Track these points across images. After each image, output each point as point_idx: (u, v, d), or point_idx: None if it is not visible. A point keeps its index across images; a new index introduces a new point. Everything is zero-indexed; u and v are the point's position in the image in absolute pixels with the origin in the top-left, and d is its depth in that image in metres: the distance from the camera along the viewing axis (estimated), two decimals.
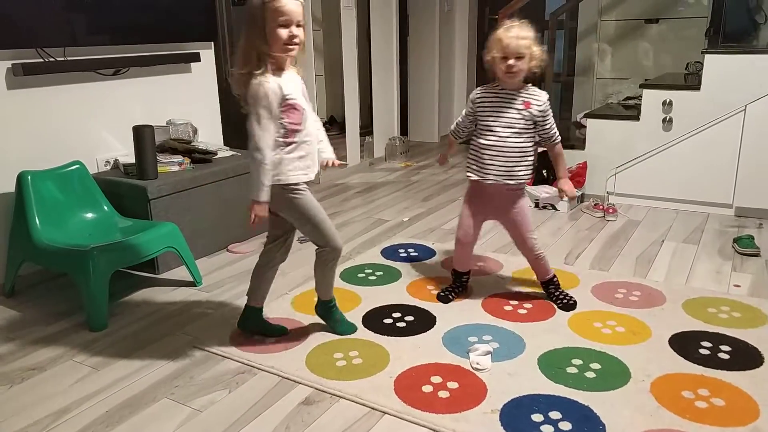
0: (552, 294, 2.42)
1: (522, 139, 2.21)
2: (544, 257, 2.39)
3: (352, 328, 2.23)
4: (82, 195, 2.70)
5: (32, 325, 2.36)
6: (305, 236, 2.15)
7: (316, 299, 2.25)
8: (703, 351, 2.04)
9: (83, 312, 2.35)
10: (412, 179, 4.67)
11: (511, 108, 2.21)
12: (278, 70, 1.88)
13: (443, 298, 2.45)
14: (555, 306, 2.39)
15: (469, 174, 2.31)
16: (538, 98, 2.21)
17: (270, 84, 1.83)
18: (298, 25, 1.84)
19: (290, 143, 1.92)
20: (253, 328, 2.23)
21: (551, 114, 2.25)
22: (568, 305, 2.37)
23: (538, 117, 2.21)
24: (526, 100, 2.20)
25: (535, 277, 2.59)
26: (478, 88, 2.31)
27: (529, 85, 2.24)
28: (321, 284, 2.18)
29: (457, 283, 2.50)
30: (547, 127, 2.24)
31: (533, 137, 2.24)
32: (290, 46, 1.85)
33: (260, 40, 1.83)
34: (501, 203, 2.32)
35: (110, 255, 2.34)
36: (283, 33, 1.82)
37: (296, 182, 1.95)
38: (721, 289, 2.56)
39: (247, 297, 2.22)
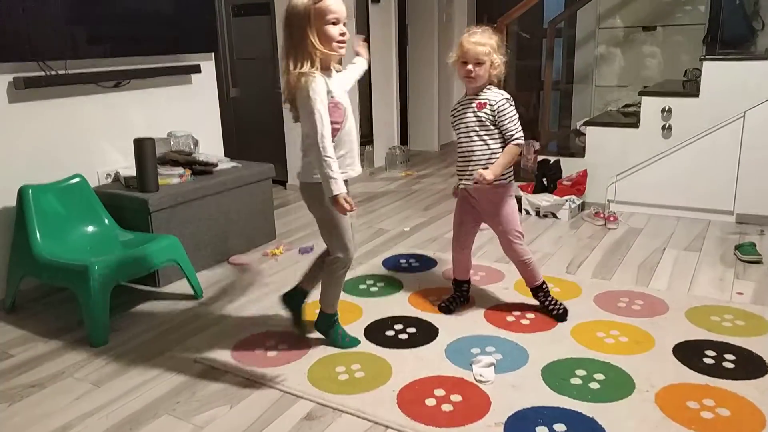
0: (542, 302, 2.40)
1: (484, 141, 2.22)
2: (531, 262, 2.36)
3: (356, 342, 2.22)
4: (83, 208, 2.70)
5: (32, 340, 2.35)
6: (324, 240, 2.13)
7: (317, 312, 2.23)
8: (707, 360, 2.03)
9: (84, 327, 2.34)
10: (412, 188, 4.67)
11: (469, 111, 2.23)
12: (325, 69, 1.91)
13: (444, 309, 2.44)
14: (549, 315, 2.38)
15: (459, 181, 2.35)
16: (493, 97, 2.20)
17: (319, 80, 1.85)
18: (344, 24, 1.89)
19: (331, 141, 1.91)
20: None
21: (510, 113, 2.20)
22: (560, 315, 2.35)
23: (495, 116, 2.20)
24: (481, 101, 2.21)
25: None
26: (457, 102, 2.34)
27: (490, 86, 2.23)
28: (326, 294, 2.16)
29: (457, 293, 2.49)
30: (504, 125, 2.20)
31: (494, 139, 2.22)
32: (341, 44, 1.90)
33: (310, 39, 1.84)
34: (484, 206, 2.31)
35: (111, 269, 2.33)
36: (334, 31, 1.86)
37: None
38: (724, 297, 2.55)
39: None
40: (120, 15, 2.90)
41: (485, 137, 2.22)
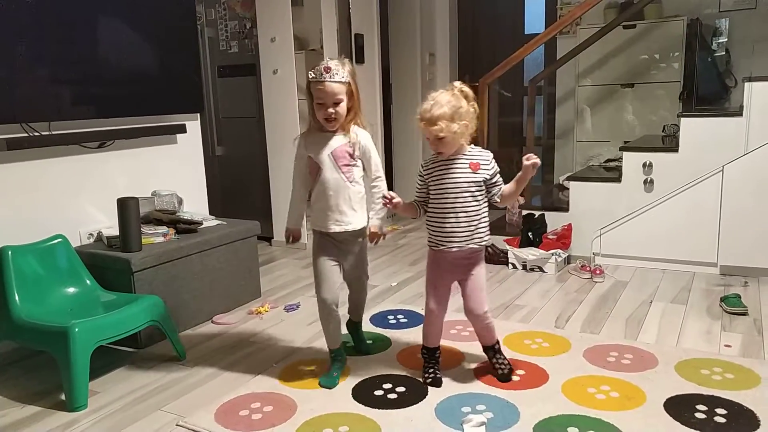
0: (491, 359, 2.34)
1: (478, 201, 2.16)
2: (492, 325, 2.30)
3: (331, 383, 2.31)
4: (64, 269, 2.65)
5: (8, 406, 2.27)
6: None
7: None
8: (699, 415, 2.01)
9: (62, 391, 2.27)
10: (398, 243, 4.67)
11: (457, 172, 2.14)
12: (323, 131, 2.21)
13: (436, 382, 2.30)
14: (495, 374, 2.32)
15: (431, 244, 2.24)
16: (485, 158, 2.16)
17: (298, 143, 2.29)
18: (335, 104, 2.12)
19: (310, 193, 2.27)
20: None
21: (497, 169, 2.18)
22: (504, 375, 2.28)
23: (491, 176, 2.16)
24: (472, 161, 2.14)
25: (526, 341, 2.57)
26: (424, 161, 2.24)
27: (471, 145, 2.17)
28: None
29: (433, 361, 2.36)
30: (497, 181, 2.17)
31: (485, 197, 2.19)
32: (329, 121, 2.16)
33: (310, 108, 2.20)
34: (460, 269, 2.25)
35: (92, 331, 2.27)
36: (319, 111, 2.15)
37: (313, 228, 2.30)
38: (712, 349, 2.54)
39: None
40: (105, 76, 2.93)
41: (478, 196, 2.16)
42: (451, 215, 2.16)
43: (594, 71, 5.06)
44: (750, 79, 3.42)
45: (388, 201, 2.17)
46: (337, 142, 2.21)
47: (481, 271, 2.26)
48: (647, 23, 4.78)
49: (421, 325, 2.34)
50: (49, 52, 2.68)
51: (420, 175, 2.22)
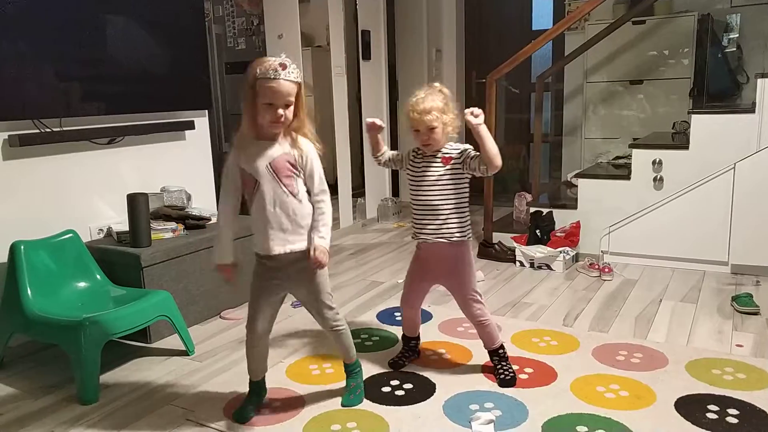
0: (494, 365, 2.31)
1: (456, 193, 2.17)
2: (489, 324, 2.28)
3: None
4: (74, 264, 2.67)
5: (20, 399, 2.29)
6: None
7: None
8: (710, 415, 2.00)
9: (73, 384, 2.28)
10: (405, 240, 4.67)
11: (433, 167, 2.16)
12: (262, 138, 1.90)
13: (394, 365, 2.40)
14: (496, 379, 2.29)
15: (414, 236, 2.27)
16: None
17: (230, 156, 1.95)
18: (286, 105, 1.84)
19: (248, 211, 1.98)
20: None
21: (469, 146, 2.17)
22: (506, 381, 2.25)
23: (464, 160, 2.14)
24: (445, 156, 2.16)
25: (535, 339, 2.56)
26: (414, 149, 2.25)
27: (450, 143, 2.19)
28: None
29: (406, 347, 2.47)
30: (472, 155, 2.14)
31: (460, 192, 2.18)
32: (275, 125, 1.86)
33: (250, 110, 1.86)
34: (440, 266, 2.26)
35: (102, 326, 2.28)
36: (267, 113, 1.84)
37: (255, 251, 2.01)
38: (723, 349, 2.52)
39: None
40: (115, 73, 2.94)
41: (448, 190, 2.17)
42: (428, 207, 2.19)
43: (602, 67, 5.03)
44: (762, 76, 3.39)
45: (371, 124, 2.20)
46: (277, 151, 1.90)
47: (460, 271, 2.24)
48: (657, 19, 4.75)
49: (428, 321, 2.35)
50: (60, 50, 2.70)
51: (408, 152, 2.27)
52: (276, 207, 1.91)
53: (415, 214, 2.24)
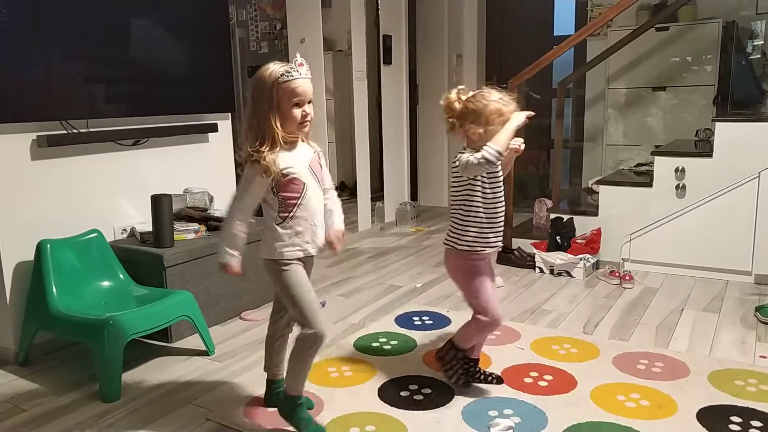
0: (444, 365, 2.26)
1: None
2: (471, 328, 2.19)
3: (320, 430, 2.00)
4: (99, 263, 2.71)
5: (44, 395, 2.33)
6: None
7: (280, 392, 2.06)
8: (733, 427, 1.97)
9: (96, 382, 2.32)
10: (423, 244, 4.67)
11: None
12: (288, 144, 1.87)
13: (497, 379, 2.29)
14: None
15: (480, 247, 2.15)
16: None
17: (261, 165, 1.81)
18: (309, 102, 1.86)
19: (286, 217, 1.88)
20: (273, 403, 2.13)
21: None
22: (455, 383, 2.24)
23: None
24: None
25: (554, 347, 2.55)
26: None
27: None
28: (292, 373, 1.95)
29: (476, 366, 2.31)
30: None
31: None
32: (304, 124, 1.87)
33: (272, 118, 1.81)
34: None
35: (125, 324, 2.31)
36: (297, 113, 1.83)
37: (288, 258, 1.90)
38: (746, 360, 2.49)
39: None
40: (141, 76, 2.98)
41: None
42: (499, 211, 2.15)
43: (625, 74, 4.99)
44: None
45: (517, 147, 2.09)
46: (306, 152, 1.93)
47: (457, 276, 2.22)
48: (681, 25, 4.71)
49: (447, 327, 2.29)
50: (87, 53, 2.74)
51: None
52: (319, 205, 1.95)
53: (489, 221, 2.10)
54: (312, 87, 1.87)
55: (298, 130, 1.87)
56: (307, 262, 1.97)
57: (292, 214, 1.88)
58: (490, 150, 1.97)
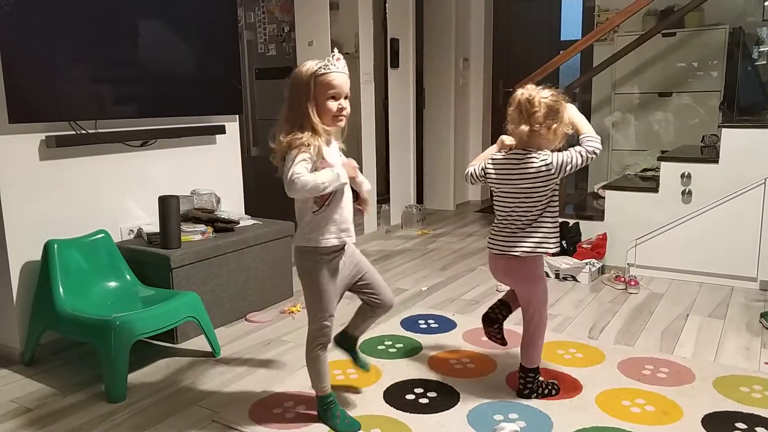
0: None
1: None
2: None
3: (356, 425, 2.05)
4: (105, 264, 2.72)
5: (50, 395, 2.34)
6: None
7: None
8: None
9: (101, 382, 2.33)
10: (429, 247, 4.67)
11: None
12: (326, 135, 1.90)
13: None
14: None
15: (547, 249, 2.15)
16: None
17: (306, 146, 1.82)
18: (345, 98, 1.89)
19: (323, 204, 1.91)
20: (344, 349, 2.27)
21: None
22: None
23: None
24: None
25: (560, 351, 2.55)
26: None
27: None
28: (310, 375, 2.07)
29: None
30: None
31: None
32: (339, 118, 1.89)
33: (308, 112, 1.85)
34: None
35: (131, 325, 2.33)
36: (333, 105, 1.86)
37: (325, 246, 1.92)
38: (751, 366, 2.49)
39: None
40: (149, 77, 3.00)
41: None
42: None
43: (631, 79, 5.00)
44: None
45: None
46: (337, 151, 1.98)
47: (528, 281, 2.21)
48: (688, 31, 4.71)
49: (452, 330, 2.29)
50: (96, 54, 2.76)
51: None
52: (350, 198, 2.00)
53: (554, 223, 2.13)
54: (349, 82, 1.90)
55: (334, 123, 1.90)
56: (343, 253, 2.01)
57: (329, 201, 1.92)
58: (596, 140, 2.02)
